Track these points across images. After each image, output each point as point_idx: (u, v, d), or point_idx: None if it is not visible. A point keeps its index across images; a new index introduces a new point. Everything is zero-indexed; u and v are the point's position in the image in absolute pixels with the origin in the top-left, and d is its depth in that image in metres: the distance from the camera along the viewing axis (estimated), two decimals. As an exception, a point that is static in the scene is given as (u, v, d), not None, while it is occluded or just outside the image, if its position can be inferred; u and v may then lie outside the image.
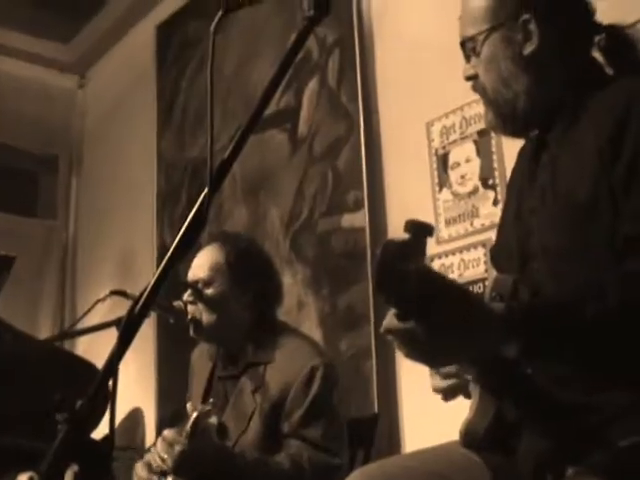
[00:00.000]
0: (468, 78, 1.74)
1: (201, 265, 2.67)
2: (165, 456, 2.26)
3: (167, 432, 2.30)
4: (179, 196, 4.96)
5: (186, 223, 1.22)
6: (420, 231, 1.15)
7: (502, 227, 1.83)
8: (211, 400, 2.36)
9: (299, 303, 3.85)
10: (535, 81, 1.66)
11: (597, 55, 1.70)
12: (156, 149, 5.25)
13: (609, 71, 1.68)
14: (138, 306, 1.20)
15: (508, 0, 1.67)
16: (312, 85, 4.00)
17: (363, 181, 3.58)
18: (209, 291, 2.64)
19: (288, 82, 4.09)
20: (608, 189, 1.43)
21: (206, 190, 1.20)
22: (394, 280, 1.13)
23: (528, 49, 1.65)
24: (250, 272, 2.68)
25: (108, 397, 1.20)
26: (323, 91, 3.93)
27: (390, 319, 1.21)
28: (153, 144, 5.28)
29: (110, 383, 1.18)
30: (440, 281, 1.22)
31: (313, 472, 2.38)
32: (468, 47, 1.72)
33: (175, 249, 1.23)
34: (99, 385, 1.18)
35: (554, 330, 1.26)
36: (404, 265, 1.12)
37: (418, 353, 1.24)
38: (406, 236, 1.14)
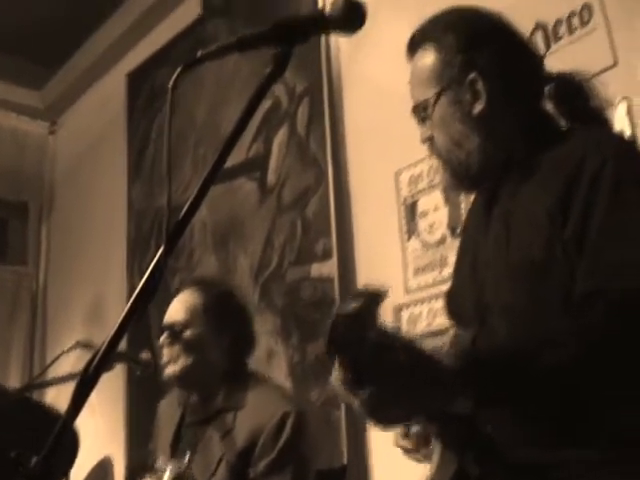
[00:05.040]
0: (425, 140, 1.73)
1: (178, 309, 2.67)
2: None
3: None
4: (149, 244, 4.94)
5: (143, 279, 1.21)
6: (371, 299, 1.15)
7: (457, 276, 1.81)
8: (187, 453, 2.34)
9: (269, 352, 3.83)
10: (486, 139, 1.64)
11: (549, 106, 1.69)
12: (126, 197, 5.25)
13: (562, 121, 1.67)
14: (94, 363, 1.18)
15: (453, 61, 1.66)
16: (281, 134, 4.02)
17: (332, 230, 3.58)
18: (186, 334, 2.63)
19: (257, 131, 4.11)
20: (561, 249, 1.43)
21: (162, 247, 1.20)
22: (347, 349, 1.13)
23: (477, 108, 1.64)
24: (227, 317, 2.68)
25: (74, 450, 1.18)
26: (292, 140, 3.95)
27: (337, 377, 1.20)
28: (123, 192, 5.28)
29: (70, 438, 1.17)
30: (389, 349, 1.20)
31: None
32: (420, 111, 1.72)
33: (132, 305, 1.22)
34: (55, 442, 1.16)
35: (507, 380, 1.25)
36: (356, 334, 1.12)
37: (367, 413, 1.23)
38: (356, 305, 1.13)
